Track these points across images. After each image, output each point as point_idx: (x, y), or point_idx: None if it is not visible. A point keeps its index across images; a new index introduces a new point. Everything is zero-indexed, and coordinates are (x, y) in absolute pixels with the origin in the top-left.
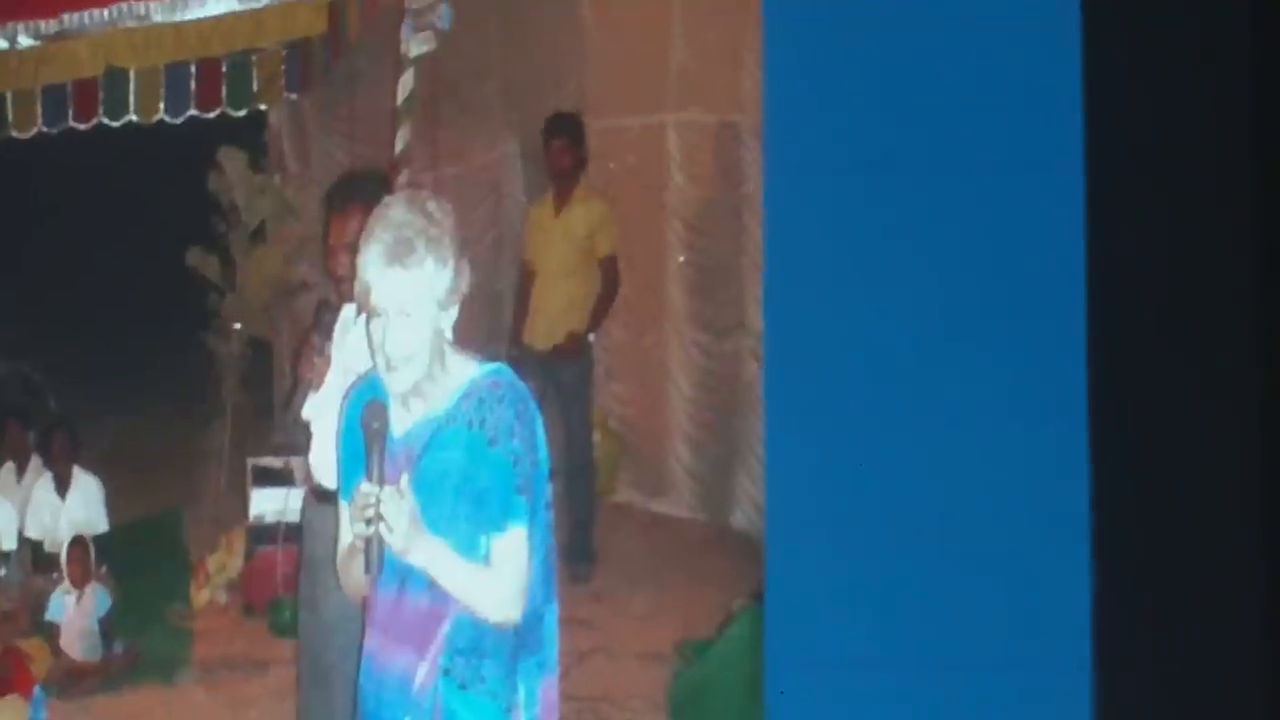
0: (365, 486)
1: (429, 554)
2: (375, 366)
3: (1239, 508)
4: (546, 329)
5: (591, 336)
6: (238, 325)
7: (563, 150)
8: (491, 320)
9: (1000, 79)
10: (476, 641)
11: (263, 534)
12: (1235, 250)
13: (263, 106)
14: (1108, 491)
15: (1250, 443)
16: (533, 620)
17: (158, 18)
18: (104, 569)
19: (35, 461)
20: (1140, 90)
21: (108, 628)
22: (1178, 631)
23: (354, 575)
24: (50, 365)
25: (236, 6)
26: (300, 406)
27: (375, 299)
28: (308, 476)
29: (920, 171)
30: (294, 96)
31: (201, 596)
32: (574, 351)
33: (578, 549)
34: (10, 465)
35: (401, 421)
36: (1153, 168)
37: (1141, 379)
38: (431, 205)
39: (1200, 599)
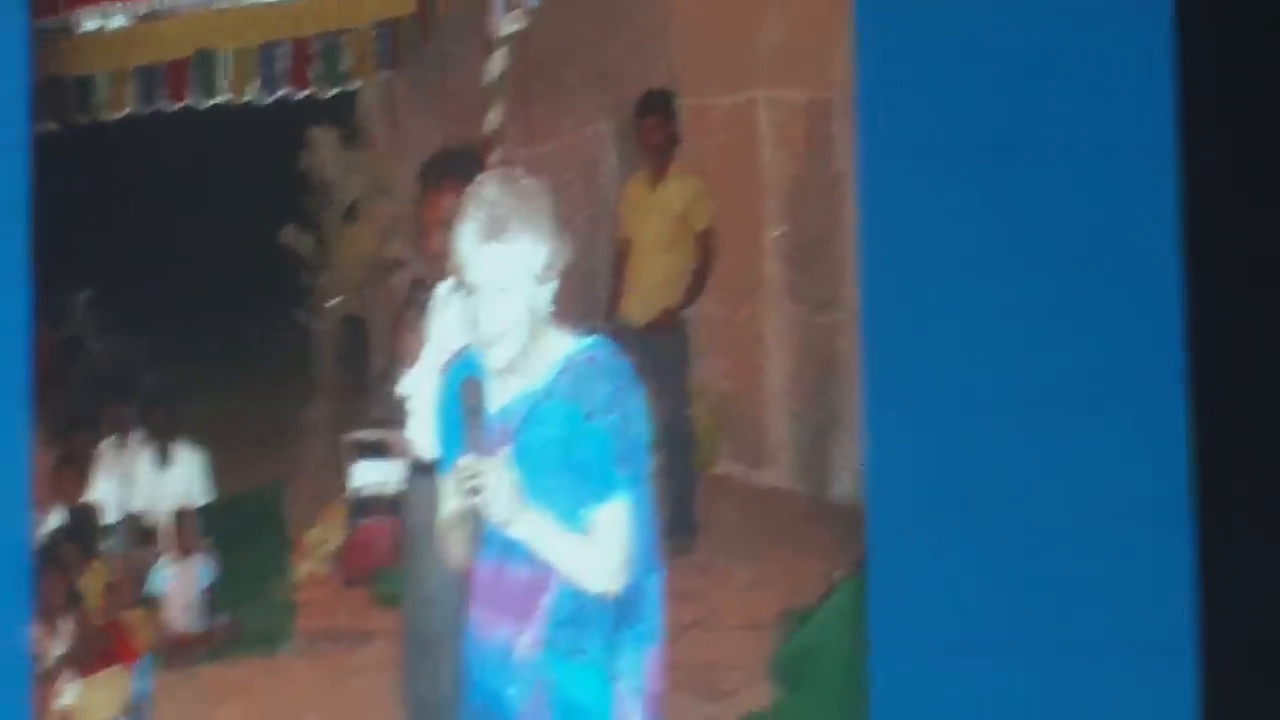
0: (466, 459)
1: (530, 526)
2: (472, 342)
3: None
4: (642, 304)
5: (687, 311)
6: (332, 302)
7: (655, 127)
8: (587, 296)
9: (1095, 50)
10: (578, 612)
11: (362, 507)
12: None
13: (354, 85)
14: (1208, 457)
15: None
16: (635, 591)
17: None
18: (207, 541)
19: (137, 436)
20: (1234, 69)
21: (211, 599)
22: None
23: (455, 547)
24: (149, 342)
25: None
26: (397, 382)
27: (471, 275)
28: (407, 450)
29: (1013, 144)
30: (386, 75)
31: (302, 569)
32: (670, 326)
33: (679, 521)
34: (112, 439)
35: (499, 396)
36: (1247, 143)
37: (1239, 344)
38: (525, 182)
39: None
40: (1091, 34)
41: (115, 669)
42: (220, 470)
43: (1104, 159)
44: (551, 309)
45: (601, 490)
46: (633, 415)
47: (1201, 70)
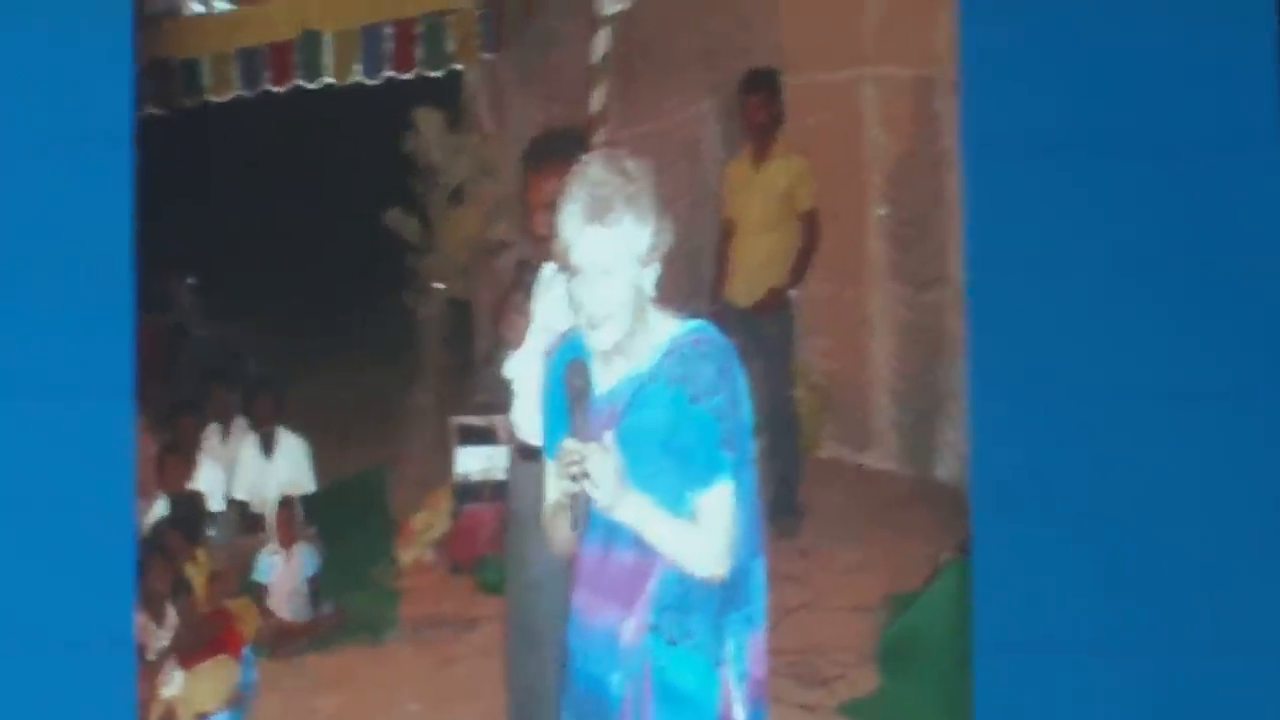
0: (570, 443)
1: (635, 510)
2: (577, 324)
3: None
4: (747, 285)
5: (792, 291)
6: (438, 285)
7: (760, 106)
8: (691, 277)
9: (1201, 28)
10: (683, 597)
11: (468, 492)
12: None
13: (459, 67)
14: None
15: None
16: (739, 575)
17: None
18: (312, 529)
19: (240, 423)
20: None
21: (316, 587)
22: None
23: (560, 532)
24: (253, 327)
25: None
26: (502, 365)
27: (575, 257)
28: (512, 434)
29: (1119, 122)
30: (490, 56)
31: (408, 555)
32: (775, 307)
33: (783, 504)
34: (215, 427)
35: (604, 379)
36: None
37: None
38: (629, 163)
39: None
40: (1201, 8)
41: (220, 658)
42: (325, 455)
43: (1211, 133)
44: (655, 291)
45: (706, 474)
46: (738, 398)
47: None
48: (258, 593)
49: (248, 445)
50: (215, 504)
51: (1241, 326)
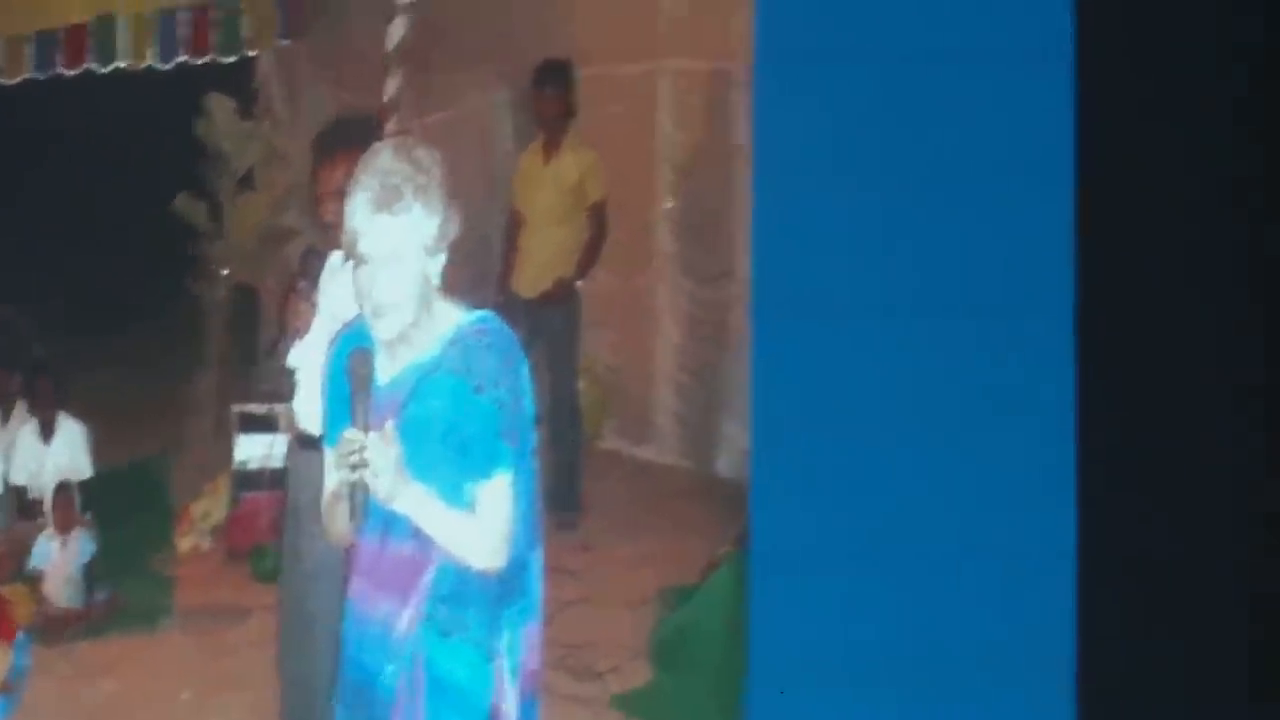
0: (350, 433)
1: (413, 501)
2: (362, 313)
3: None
4: (534, 276)
5: (579, 283)
6: (225, 271)
7: (552, 98)
8: (479, 267)
9: (995, 26)
10: (459, 589)
11: (247, 480)
12: None
13: (253, 53)
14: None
15: None
16: (516, 567)
17: None
18: (88, 515)
19: (20, 407)
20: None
21: (91, 574)
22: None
23: (338, 522)
24: (35, 311)
25: None
26: (286, 353)
27: (363, 246)
28: (293, 423)
29: (911, 119)
30: (285, 43)
31: (185, 543)
32: (562, 298)
33: (563, 497)
34: None
35: (387, 368)
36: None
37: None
38: (419, 152)
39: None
40: (995, 8)
41: None
42: (107, 441)
43: (1008, 129)
44: (441, 280)
45: (486, 465)
46: (520, 389)
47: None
48: (33, 579)
49: (26, 430)
50: None
51: (1024, 332)
